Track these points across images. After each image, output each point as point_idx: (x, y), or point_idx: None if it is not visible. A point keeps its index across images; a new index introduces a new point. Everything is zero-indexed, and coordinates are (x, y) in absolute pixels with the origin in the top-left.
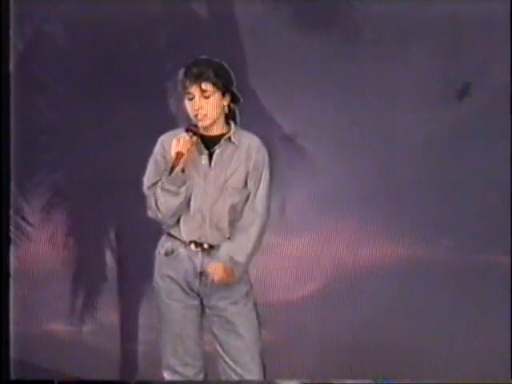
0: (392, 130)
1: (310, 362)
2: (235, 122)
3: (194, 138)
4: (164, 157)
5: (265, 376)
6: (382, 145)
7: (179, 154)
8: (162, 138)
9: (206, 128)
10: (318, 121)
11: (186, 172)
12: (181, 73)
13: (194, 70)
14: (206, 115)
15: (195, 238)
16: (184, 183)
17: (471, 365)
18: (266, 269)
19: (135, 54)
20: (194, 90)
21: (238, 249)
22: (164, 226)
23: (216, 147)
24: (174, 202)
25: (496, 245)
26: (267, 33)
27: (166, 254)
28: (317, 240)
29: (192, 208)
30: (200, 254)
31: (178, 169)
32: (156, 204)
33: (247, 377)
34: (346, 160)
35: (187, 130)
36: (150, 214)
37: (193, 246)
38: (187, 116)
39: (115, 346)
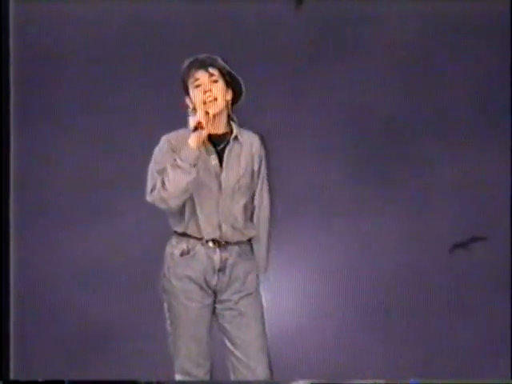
0: None
1: (314, 361)
2: (234, 121)
3: (210, 113)
4: (173, 151)
5: (271, 372)
6: None
7: (200, 125)
8: (168, 137)
9: (212, 125)
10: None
11: (200, 152)
12: (185, 66)
13: (200, 57)
14: (215, 99)
15: (216, 236)
16: (196, 163)
17: (471, 365)
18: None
19: (137, 55)
20: (202, 75)
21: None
22: (177, 228)
23: (224, 146)
24: (183, 179)
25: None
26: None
27: (182, 255)
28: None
29: (208, 209)
30: (218, 251)
31: (194, 144)
32: (162, 183)
33: (259, 369)
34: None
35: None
36: (149, 197)
37: (211, 244)
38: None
39: (118, 345)
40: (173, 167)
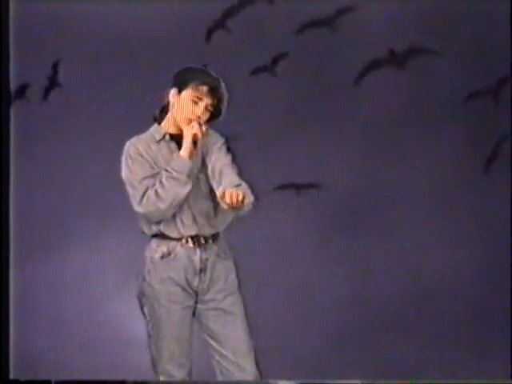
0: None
1: (306, 362)
2: None
3: (204, 127)
4: (142, 156)
5: (260, 372)
6: None
7: (195, 137)
8: (133, 142)
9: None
10: None
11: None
12: (198, 75)
13: (216, 83)
14: (198, 124)
15: (194, 232)
16: (191, 174)
17: (471, 365)
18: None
19: (136, 55)
20: (206, 99)
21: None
22: (154, 228)
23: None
24: (182, 191)
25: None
26: None
27: (163, 257)
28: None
29: (185, 206)
30: (198, 251)
31: (187, 155)
32: (157, 194)
33: (248, 367)
34: None
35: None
36: (139, 207)
37: (190, 243)
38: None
39: (112, 346)
40: (168, 179)
